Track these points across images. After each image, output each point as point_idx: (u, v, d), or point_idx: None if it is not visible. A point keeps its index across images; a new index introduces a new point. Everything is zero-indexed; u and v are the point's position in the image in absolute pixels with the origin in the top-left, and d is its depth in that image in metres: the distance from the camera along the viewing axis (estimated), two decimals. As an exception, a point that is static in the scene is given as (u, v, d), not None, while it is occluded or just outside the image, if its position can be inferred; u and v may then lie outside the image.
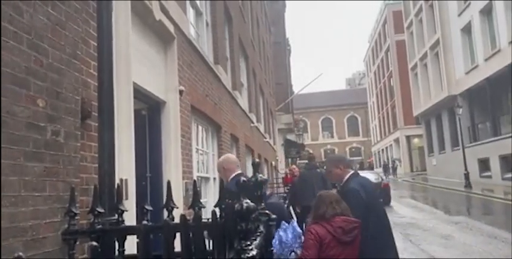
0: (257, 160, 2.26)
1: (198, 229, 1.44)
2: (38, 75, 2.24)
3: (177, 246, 1.87)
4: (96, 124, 2.87)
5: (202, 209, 1.96)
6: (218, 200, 1.77)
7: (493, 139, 19.61)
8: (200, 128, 6.69)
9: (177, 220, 1.82)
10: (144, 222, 1.76)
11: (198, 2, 7.24)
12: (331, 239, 3.05)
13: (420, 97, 30.28)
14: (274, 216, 2.01)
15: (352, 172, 3.80)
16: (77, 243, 2.43)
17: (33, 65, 2.21)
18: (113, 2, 3.10)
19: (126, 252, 2.16)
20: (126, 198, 3.29)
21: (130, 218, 3.02)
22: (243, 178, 1.73)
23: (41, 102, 2.25)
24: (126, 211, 2.37)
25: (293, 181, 8.87)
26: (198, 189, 2.60)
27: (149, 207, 2.33)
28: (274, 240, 3.18)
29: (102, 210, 2.45)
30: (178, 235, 1.88)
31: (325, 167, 4.49)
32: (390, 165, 37.39)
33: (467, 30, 22.13)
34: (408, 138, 39.09)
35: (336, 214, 3.15)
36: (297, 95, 31.04)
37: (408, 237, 9.34)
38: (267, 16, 22.44)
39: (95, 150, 2.87)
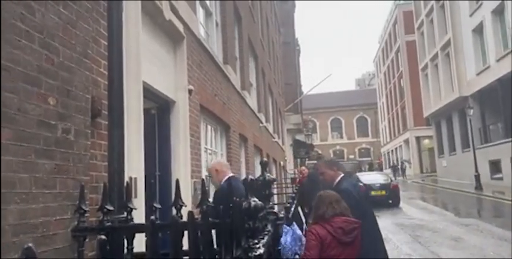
0: (265, 159, 2.26)
1: (206, 227, 1.45)
2: (49, 74, 2.26)
3: (186, 244, 1.89)
4: (106, 122, 2.90)
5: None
6: (200, 200, 1.79)
7: (504, 140, 19.38)
8: (209, 127, 6.71)
9: (185, 218, 1.83)
10: (152, 217, 1.76)
11: (208, 2, 7.26)
12: (332, 239, 3.07)
13: (430, 98, 30.03)
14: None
15: (343, 174, 4.06)
16: (87, 240, 2.45)
17: (45, 64, 2.23)
18: (123, 1, 3.13)
19: (135, 250, 2.18)
20: (135, 196, 3.31)
21: (139, 216, 3.04)
22: (250, 177, 1.73)
23: (51, 100, 2.27)
24: (135, 209, 2.39)
25: (301, 181, 8.85)
26: (207, 188, 2.61)
27: (158, 205, 2.35)
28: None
29: (111, 208, 2.48)
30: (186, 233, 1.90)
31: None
32: (399, 166, 37.15)
33: (478, 30, 21.91)
34: (418, 139, 38.80)
35: (335, 215, 3.17)
36: (307, 95, 31.00)
37: (417, 238, 9.28)
38: (276, 16, 22.43)
39: (104, 148, 2.90)
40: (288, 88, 25.82)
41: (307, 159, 29.84)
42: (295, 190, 7.37)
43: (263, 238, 1.89)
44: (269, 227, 2.20)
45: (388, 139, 49.79)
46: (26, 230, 2.03)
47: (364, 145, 58.40)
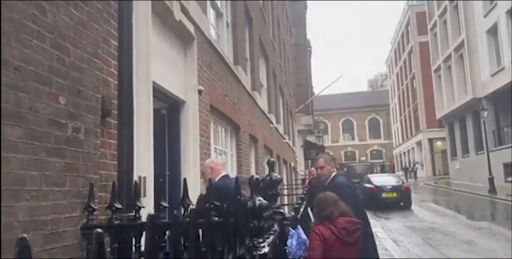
0: (272, 159, 2.27)
1: (209, 226, 1.46)
2: (60, 73, 2.30)
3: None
4: (116, 122, 2.93)
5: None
6: (182, 199, 1.80)
7: (519, 143, 19.10)
8: (219, 127, 6.73)
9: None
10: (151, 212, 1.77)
11: (218, 3, 7.29)
12: (335, 240, 3.10)
13: (443, 99, 29.71)
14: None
15: (337, 171, 4.60)
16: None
17: (56, 64, 2.27)
18: (134, 2, 3.16)
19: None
20: (144, 195, 3.34)
21: (148, 215, 3.07)
22: (256, 176, 1.74)
23: (62, 99, 2.31)
24: (143, 207, 2.41)
25: (311, 182, 8.84)
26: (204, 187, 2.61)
27: (165, 204, 2.37)
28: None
29: (119, 206, 2.51)
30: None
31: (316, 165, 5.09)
32: (410, 169, 36.80)
33: (493, 31, 21.63)
34: (431, 141, 38.40)
35: (341, 214, 3.23)
36: (318, 96, 30.88)
37: (429, 241, 9.19)
38: (288, 17, 22.42)
39: (114, 147, 2.93)
40: (299, 89, 25.78)
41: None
42: (304, 191, 7.36)
43: (268, 238, 1.90)
44: (275, 227, 2.20)
45: (401, 141, 49.37)
46: (35, 227, 2.06)
47: (376, 147, 57.97)
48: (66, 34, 2.38)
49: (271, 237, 1.94)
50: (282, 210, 2.36)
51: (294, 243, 3.35)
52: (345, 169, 30.83)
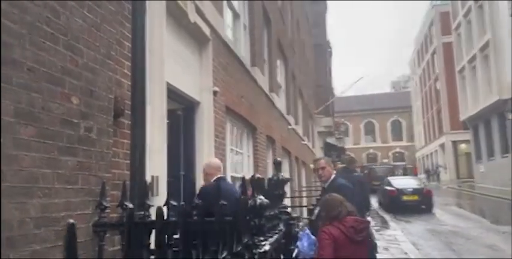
0: (278, 159, 2.28)
1: (204, 225, 1.48)
2: (73, 74, 2.36)
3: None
4: (129, 122, 2.99)
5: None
6: (166, 199, 1.83)
7: (546, 146, 18.51)
8: (235, 128, 6.77)
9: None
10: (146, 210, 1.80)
11: (235, 4, 7.33)
12: (344, 239, 3.19)
13: (468, 101, 29.07)
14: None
15: (335, 173, 4.83)
16: (107, 235, 2.54)
17: (69, 65, 2.33)
18: (147, 3, 3.22)
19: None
20: (157, 194, 3.39)
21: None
22: (258, 176, 1.75)
23: (75, 99, 2.37)
24: (152, 206, 2.46)
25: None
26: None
27: (174, 203, 2.41)
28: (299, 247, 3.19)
29: (130, 205, 2.56)
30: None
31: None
32: (432, 172, 36.07)
33: (519, 30, 21.06)
34: (454, 143, 37.58)
35: (348, 213, 3.32)
36: (339, 97, 30.70)
37: (450, 245, 9.00)
38: (307, 18, 22.34)
39: (127, 147, 2.98)
40: (319, 90, 25.63)
41: (338, 162, 29.46)
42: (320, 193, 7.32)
43: (272, 237, 1.91)
44: (281, 226, 2.21)
45: (423, 144, 48.50)
46: (47, 223, 2.12)
47: (398, 150, 57.09)
48: (80, 36, 2.45)
49: (275, 236, 1.95)
50: (288, 210, 2.37)
51: (305, 244, 3.36)
52: (366, 171, 30.47)
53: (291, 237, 2.20)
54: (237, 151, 6.72)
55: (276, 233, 2.02)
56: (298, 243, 3.29)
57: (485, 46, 25.02)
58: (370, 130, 58.53)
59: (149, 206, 2.44)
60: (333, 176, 4.57)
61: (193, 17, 4.34)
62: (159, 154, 3.43)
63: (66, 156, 2.28)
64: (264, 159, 8.32)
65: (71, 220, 1.04)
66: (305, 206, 9.56)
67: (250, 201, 1.61)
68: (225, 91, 5.75)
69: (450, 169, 37.40)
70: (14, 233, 1.90)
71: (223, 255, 1.26)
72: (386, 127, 57.80)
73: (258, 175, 1.79)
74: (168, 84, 3.81)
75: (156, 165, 3.38)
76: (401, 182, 16.69)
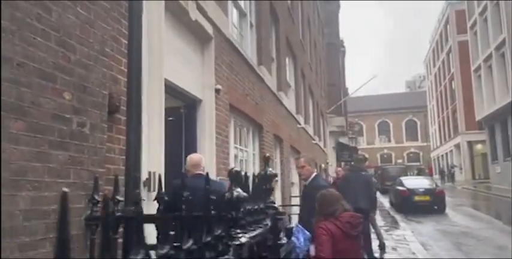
0: (267, 154, 2.29)
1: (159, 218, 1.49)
2: (65, 70, 2.40)
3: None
4: (125, 118, 3.03)
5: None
6: (156, 194, 1.84)
7: None
8: (240, 126, 6.78)
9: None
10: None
11: (242, 3, 7.34)
12: (341, 234, 3.24)
13: (483, 100, 28.58)
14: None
15: (317, 172, 4.85)
16: (99, 228, 2.57)
17: (61, 61, 2.37)
18: (145, 2, 3.25)
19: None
20: (154, 190, 3.42)
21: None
22: (236, 169, 1.76)
23: (67, 95, 2.41)
24: (143, 200, 2.49)
25: (336, 183, 8.74)
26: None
27: (166, 197, 2.43)
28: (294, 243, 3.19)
29: (121, 199, 2.59)
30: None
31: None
32: (447, 172, 35.58)
33: (536, 28, 20.63)
34: (470, 143, 36.99)
35: (344, 211, 3.37)
36: (353, 97, 30.51)
37: (459, 246, 8.87)
38: (319, 17, 22.25)
39: (123, 142, 3.02)
40: (331, 90, 25.52)
41: (351, 162, 29.25)
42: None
43: (254, 230, 1.91)
44: (267, 221, 2.21)
45: (438, 144, 47.87)
46: (37, 216, 2.16)
47: (412, 150, 56.48)
48: (73, 32, 2.48)
49: (258, 230, 1.96)
50: (275, 205, 2.37)
51: (302, 238, 3.37)
52: (379, 172, 30.19)
53: (278, 232, 2.20)
54: (242, 149, 6.73)
55: (260, 227, 2.02)
56: (294, 239, 3.29)
57: (501, 45, 24.58)
58: (384, 130, 58.02)
59: (140, 200, 2.47)
60: (313, 175, 4.62)
61: (195, 15, 4.37)
62: (156, 150, 3.46)
63: (57, 150, 2.32)
64: (271, 158, 8.31)
65: (65, 189, 1.06)
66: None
67: (227, 194, 1.62)
68: (229, 89, 5.77)
69: (465, 169, 36.82)
70: (2, 225, 1.94)
71: (188, 245, 1.27)
72: (401, 127, 57.22)
73: (236, 168, 1.80)
74: (168, 81, 3.85)
75: (154, 161, 3.41)
76: (413, 182, 16.50)
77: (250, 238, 1.76)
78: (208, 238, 1.36)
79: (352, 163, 23.57)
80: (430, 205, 15.21)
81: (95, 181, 2.55)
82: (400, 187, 16.01)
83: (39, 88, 2.20)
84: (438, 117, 47.64)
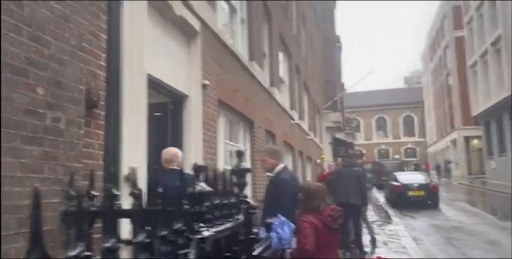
0: (241, 149, 2.30)
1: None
2: (38, 65, 2.39)
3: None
4: (104, 113, 3.02)
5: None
6: (130, 189, 1.84)
7: (558, 141, 18.15)
8: (230, 122, 6.77)
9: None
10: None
11: (232, -2, 7.31)
12: (323, 227, 3.33)
13: (479, 96, 28.63)
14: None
15: (283, 165, 4.54)
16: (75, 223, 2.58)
17: (33, 56, 2.36)
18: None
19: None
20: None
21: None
22: (198, 163, 1.76)
23: (40, 90, 2.40)
24: (118, 195, 2.48)
25: (327, 178, 8.75)
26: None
27: (137, 192, 2.43)
28: (273, 238, 3.20)
29: (96, 194, 2.59)
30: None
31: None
32: (443, 167, 35.67)
33: (532, 24, 20.62)
34: (466, 139, 37.06)
35: (326, 205, 3.44)
36: (350, 93, 30.50)
37: (451, 240, 8.92)
38: (315, 13, 22.17)
39: (102, 138, 3.01)
40: (327, 85, 25.49)
41: (347, 158, 29.29)
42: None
43: (222, 224, 1.92)
44: (240, 216, 2.22)
45: (435, 139, 47.97)
46: (9, 211, 2.16)
47: (410, 145, 56.60)
48: (47, 27, 2.47)
49: (227, 224, 1.96)
50: (247, 199, 2.38)
51: (287, 231, 3.37)
52: (376, 167, 30.30)
53: (250, 227, 2.21)
54: (232, 145, 6.73)
55: (230, 221, 2.03)
56: (280, 231, 3.30)
57: (497, 40, 24.58)
58: (381, 125, 58.09)
59: (115, 195, 2.47)
60: (278, 168, 4.38)
61: (179, 9, 4.35)
62: (137, 145, 3.45)
63: (31, 145, 2.31)
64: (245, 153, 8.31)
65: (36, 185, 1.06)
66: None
67: (189, 188, 1.62)
68: (218, 85, 5.76)
69: (462, 165, 36.94)
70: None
71: (140, 238, 1.27)
72: (398, 122, 57.29)
73: (199, 163, 1.80)
74: (151, 76, 3.83)
75: (135, 157, 3.41)
76: (407, 177, 16.55)
77: (217, 232, 1.77)
78: (165, 232, 1.37)
79: (346, 158, 23.72)
80: (424, 200, 15.26)
81: (70, 176, 2.55)
82: (394, 183, 16.07)
83: (11, 83, 2.19)
84: (435, 112, 47.72)
